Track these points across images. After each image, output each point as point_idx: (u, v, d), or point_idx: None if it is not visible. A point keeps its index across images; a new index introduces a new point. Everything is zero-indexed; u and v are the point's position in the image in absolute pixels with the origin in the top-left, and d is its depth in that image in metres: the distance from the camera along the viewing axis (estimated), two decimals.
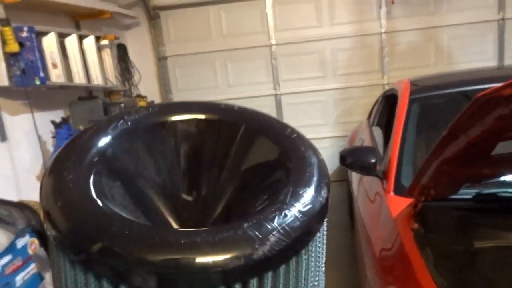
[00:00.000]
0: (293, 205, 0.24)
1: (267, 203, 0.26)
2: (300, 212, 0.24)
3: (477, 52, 4.66)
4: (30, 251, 2.46)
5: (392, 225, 1.70)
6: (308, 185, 0.26)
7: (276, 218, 0.23)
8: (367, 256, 1.89)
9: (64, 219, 0.22)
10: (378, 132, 2.93)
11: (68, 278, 0.25)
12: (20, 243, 2.37)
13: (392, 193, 1.91)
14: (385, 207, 1.86)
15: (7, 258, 2.25)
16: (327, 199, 0.26)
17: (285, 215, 0.23)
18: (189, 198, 0.30)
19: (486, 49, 4.70)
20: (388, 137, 2.39)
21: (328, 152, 5.18)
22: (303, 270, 0.25)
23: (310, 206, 0.25)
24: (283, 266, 0.24)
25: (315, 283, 0.26)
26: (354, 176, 2.92)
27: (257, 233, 0.22)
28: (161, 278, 0.22)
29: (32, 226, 2.47)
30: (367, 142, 2.98)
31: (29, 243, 2.46)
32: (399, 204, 1.78)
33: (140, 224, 0.23)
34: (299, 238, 0.24)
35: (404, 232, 1.56)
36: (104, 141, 0.27)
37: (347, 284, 2.89)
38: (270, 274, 0.24)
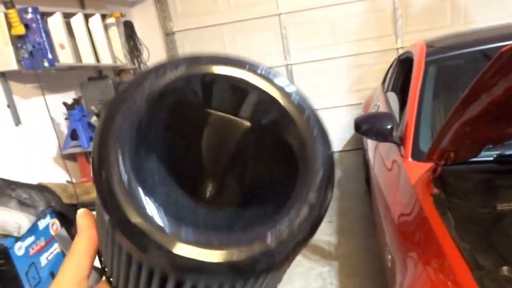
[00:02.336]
0: (305, 214, 0.26)
1: (279, 201, 0.28)
2: (308, 218, 0.26)
3: (495, 9, 4.45)
4: (52, 232, 2.51)
5: (411, 191, 1.66)
6: (315, 189, 0.27)
7: (288, 224, 0.26)
8: (386, 223, 1.87)
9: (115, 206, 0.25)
10: (393, 98, 2.86)
11: (112, 248, 0.29)
12: (41, 224, 2.42)
13: (410, 159, 1.87)
14: (403, 173, 1.82)
15: (30, 240, 2.30)
16: (329, 201, 0.27)
17: (298, 223, 0.26)
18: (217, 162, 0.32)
19: (506, 6, 4.49)
20: (404, 102, 2.32)
21: (343, 121, 5.12)
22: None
23: (314, 211, 0.26)
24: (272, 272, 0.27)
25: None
26: (370, 144, 2.87)
27: (276, 244, 0.25)
28: (182, 268, 0.25)
29: (52, 207, 2.51)
30: (382, 109, 2.92)
31: (50, 224, 2.51)
32: (418, 170, 1.74)
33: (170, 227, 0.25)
34: (304, 243, 0.27)
35: (423, 198, 1.53)
36: (142, 111, 0.27)
37: (367, 252, 2.89)
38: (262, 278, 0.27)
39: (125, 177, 0.26)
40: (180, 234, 0.25)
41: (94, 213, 0.34)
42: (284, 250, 0.26)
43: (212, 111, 0.32)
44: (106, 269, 0.34)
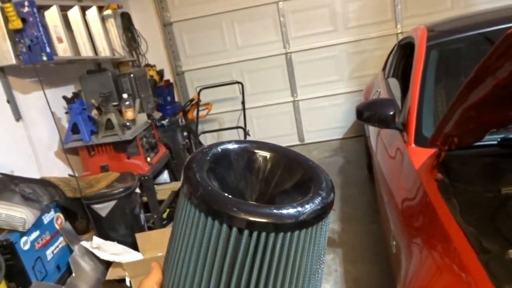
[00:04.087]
0: (317, 198, 0.44)
1: (302, 197, 0.45)
2: (320, 202, 0.43)
3: None
4: (56, 226, 2.52)
5: (415, 177, 1.66)
6: (323, 190, 0.45)
7: (309, 203, 0.43)
8: (390, 210, 1.87)
9: (198, 190, 0.42)
10: (394, 84, 2.84)
11: (190, 223, 0.43)
12: (46, 218, 2.43)
13: (413, 145, 1.86)
14: (407, 160, 1.82)
15: (35, 234, 2.31)
16: (333, 199, 0.46)
17: (313, 203, 0.43)
18: (253, 196, 0.51)
19: None
20: (406, 87, 2.31)
21: (343, 108, 5.11)
22: (319, 234, 0.44)
23: (325, 199, 0.44)
24: (311, 228, 0.43)
25: (324, 247, 0.47)
26: (372, 131, 2.86)
27: (300, 209, 0.41)
28: (245, 222, 0.40)
29: (56, 202, 2.52)
30: (384, 95, 2.90)
31: (55, 218, 2.52)
32: (421, 155, 1.73)
33: (237, 199, 0.42)
34: (320, 214, 0.43)
35: (427, 183, 1.53)
36: (211, 157, 0.48)
37: (370, 238, 2.91)
38: (304, 231, 0.42)
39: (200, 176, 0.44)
40: (243, 203, 0.42)
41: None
42: (305, 213, 0.41)
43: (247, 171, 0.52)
44: None
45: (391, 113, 2.03)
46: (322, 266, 0.47)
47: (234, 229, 0.40)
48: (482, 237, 1.16)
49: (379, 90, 3.19)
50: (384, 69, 3.64)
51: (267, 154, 0.51)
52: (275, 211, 0.40)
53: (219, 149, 0.49)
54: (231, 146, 0.50)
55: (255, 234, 0.40)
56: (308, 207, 0.41)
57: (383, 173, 2.15)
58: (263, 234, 0.40)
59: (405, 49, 2.96)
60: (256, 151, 0.51)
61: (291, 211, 0.41)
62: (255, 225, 0.39)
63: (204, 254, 0.41)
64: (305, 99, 5.18)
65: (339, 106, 5.13)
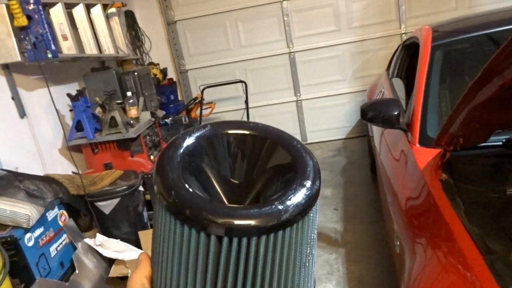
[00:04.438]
0: (300, 190, 0.40)
1: (284, 190, 0.41)
2: (305, 194, 0.40)
3: None
4: (60, 223, 2.53)
5: (419, 177, 1.66)
6: (308, 178, 0.42)
7: (292, 197, 0.39)
8: (394, 210, 1.87)
9: (170, 195, 0.39)
10: (398, 84, 2.84)
11: (167, 228, 0.40)
12: (50, 215, 2.44)
13: (417, 145, 1.86)
14: (411, 160, 1.82)
15: (39, 231, 2.32)
16: (319, 186, 0.43)
17: (297, 196, 0.39)
18: (236, 182, 0.47)
19: None
20: (410, 88, 2.31)
21: (347, 108, 5.10)
22: (306, 226, 0.41)
23: (310, 191, 0.41)
24: (295, 224, 0.40)
25: (313, 236, 0.44)
26: (375, 131, 2.86)
27: (281, 207, 0.38)
28: (223, 229, 0.37)
29: (60, 199, 2.53)
30: (387, 95, 2.90)
31: (58, 215, 2.53)
32: (426, 156, 1.73)
33: (212, 201, 0.40)
34: (304, 209, 0.39)
35: (432, 183, 1.53)
36: (186, 143, 0.45)
37: (373, 238, 2.91)
38: (288, 229, 0.39)
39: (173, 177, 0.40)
40: (219, 207, 0.39)
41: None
42: (288, 211, 0.38)
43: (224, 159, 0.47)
44: None
45: (396, 113, 2.03)
46: (312, 256, 0.45)
47: (213, 237, 0.37)
48: (487, 238, 1.16)
49: (382, 90, 3.19)
50: (388, 69, 3.64)
51: (247, 135, 0.47)
52: (254, 212, 0.37)
53: (193, 138, 0.44)
54: (206, 131, 0.46)
55: (235, 240, 0.37)
56: (291, 203, 0.38)
57: (387, 173, 2.15)
58: (244, 240, 0.37)
59: (409, 49, 2.96)
60: (235, 132, 0.47)
61: (273, 210, 0.37)
62: (234, 232, 0.37)
63: (186, 261, 0.39)
64: (308, 98, 5.18)
65: (342, 106, 5.12)
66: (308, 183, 0.41)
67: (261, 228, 0.37)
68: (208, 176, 0.45)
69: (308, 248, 0.43)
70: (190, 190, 0.39)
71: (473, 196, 1.38)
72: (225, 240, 0.37)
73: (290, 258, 0.40)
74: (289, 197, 0.39)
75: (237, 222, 0.36)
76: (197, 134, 0.45)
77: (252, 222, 0.36)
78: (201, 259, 0.38)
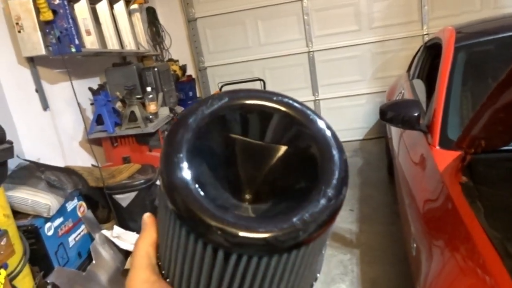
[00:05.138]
0: (323, 202, 0.35)
1: (304, 199, 0.35)
2: (328, 208, 0.34)
3: None
4: (79, 214, 2.58)
5: (438, 179, 1.64)
6: (334, 187, 0.35)
7: (312, 212, 0.34)
8: (411, 212, 1.85)
9: (176, 201, 0.34)
10: (419, 85, 2.80)
11: (173, 231, 0.36)
12: (69, 206, 2.49)
13: (437, 147, 1.84)
14: (431, 162, 1.80)
15: (59, 221, 2.37)
16: (345, 195, 0.36)
17: (319, 210, 0.34)
18: (250, 167, 0.41)
19: None
20: (431, 89, 2.28)
21: (365, 109, 5.06)
22: (321, 241, 0.37)
23: (334, 203, 0.35)
24: (312, 242, 0.35)
25: (324, 251, 0.40)
26: (394, 132, 2.83)
27: (300, 224, 0.33)
28: (233, 246, 0.33)
29: (79, 190, 2.58)
30: (408, 96, 2.87)
31: (77, 206, 2.58)
32: (446, 158, 1.71)
33: (223, 211, 0.34)
34: (325, 225, 0.35)
35: (451, 186, 1.51)
36: (198, 123, 0.38)
37: (388, 240, 2.88)
38: (303, 248, 0.35)
39: (181, 173, 0.34)
40: (229, 218, 0.33)
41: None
42: (307, 230, 0.33)
43: (245, 137, 0.40)
44: (159, 263, 0.41)
45: (416, 114, 2.00)
46: (319, 270, 0.41)
47: (220, 253, 0.33)
48: (507, 242, 1.14)
49: (402, 91, 3.15)
50: (408, 70, 3.59)
51: (268, 112, 0.40)
52: (270, 229, 0.33)
53: (206, 113, 0.38)
54: (222, 104, 0.38)
55: (244, 258, 0.33)
56: (312, 220, 0.33)
57: (405, 174, 2.13)
58: (255, 259, 0.33)
59: (431, 50, 2.92)
60: (256, 103, 0.39)
61: (290, 228, 0.33)
62: (245, 250, 0.33)
63: (189, 263, 0.36)
64: (326, 98, 5.15)
65: (361, 106, 5.08)
66: (333, 193, 0.35)
67: (275, 248, 0.33)
68: (219, 162, 0.39)
69: (318, 265, 0.40)
70: (200, 195, 0.34)
71: (493, 200, 1.35)
72: (233, 257, 0.33)
73: (299, 274, 0.37)
74: (308, 211, 0.34)
75: (249, 239, 0.32)
76: (211, 109, 0.38)
77: (266, 241, 0.32)
78: (205, 271, 0.35)
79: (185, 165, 0.34)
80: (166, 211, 0.36)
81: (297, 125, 0.39)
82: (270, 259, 0.34)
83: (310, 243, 0.35)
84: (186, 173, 0.34)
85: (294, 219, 0.33)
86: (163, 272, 0.41)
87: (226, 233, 0.32)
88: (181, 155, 0.35)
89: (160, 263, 0.41)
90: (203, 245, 0.34)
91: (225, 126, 0.39)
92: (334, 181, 0.36)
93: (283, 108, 0.40)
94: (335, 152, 0.37)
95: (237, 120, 0.40)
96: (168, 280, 0.40)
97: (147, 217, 0.44)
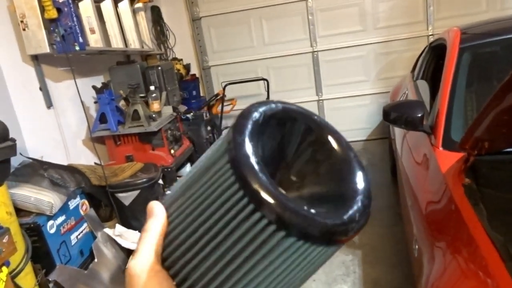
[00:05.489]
0: (362, 210, 0.37)
1: (338, 201, 0.38)
2: (364, 213, 0.37)
3: None
4: (81, 212, 2.58)
5: (441, 181, 1.63)
6: (367, 196, 0.39)
7: (356, 213, 0.37)
8: (414, 213, 1.84)
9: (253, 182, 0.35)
10: (423, 86, 2.79)
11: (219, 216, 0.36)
12: (72, 204, 2.50)
13: (441, 148, 1.83)
14: (434, 163, 1.79)
15: (61, 219, 2.38)
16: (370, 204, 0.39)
17: (360, 214, 0.37)
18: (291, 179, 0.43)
19: None
20: (435, 90, 2.26)
21: (369, 109, 5.05)
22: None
23: (368, 212, 0.38)
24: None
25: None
26: (397, 133, 2.82)
27: (350, 223, 0.36)
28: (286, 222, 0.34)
29: (82, 188, 2.59)
30: (412, 97, 2.85)
31: (80, 204, 2.59)
32: (449, 159, 1.70)
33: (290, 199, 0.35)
34: (360, 230, 0.37)
35: (454, 188, 1.50)
36: (257, 117, 0.40)
37: (391, 241, 2.87)
38: (324, 247, 0.36)
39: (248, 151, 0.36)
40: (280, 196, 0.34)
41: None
42: (353, 229, 0.36)
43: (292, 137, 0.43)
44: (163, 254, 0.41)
45: (419, 115, 1.99)
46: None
47: (264, 221, 0.34)
48: (510, 244, 1.13)
49: (406, 92, 3.14)
50: (413, 71, 3.57)
51: (317, 133, 0.43)
52: (328, 219, 0.34)
53: (266, 117, 0.40)
54: (278, 110, 0.41)
55: (290, 240, 0.34)
56: (358, 218, 0.36)
57: (408, 175, 2.12)
58: (292, 238, 0.34)
59: (436, 51, 2.90)
60: (304, 121, 0.43)
61: (343, 223, 0.35)
62: (300, 231, 0.34)
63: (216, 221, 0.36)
64: (330, 98, 5.14)
65: (365, 107, 5.07)
66: (367, 202, 0.39)
67: (326, 237, 0.35)
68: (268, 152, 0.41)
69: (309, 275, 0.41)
70: (266, 176, 0.35)
71: (496, 202, 1.34)
72: (280, 234, 0.34)
73: (302, 274, 0.38)
74: (354, 212, 0.36)
75: (309, 221, 0.34)
76: (267, 112, 0.40)
77: (323, 227, 0.34)
78: (237, 231, 0.35)
79: (248, 142, 0.37)
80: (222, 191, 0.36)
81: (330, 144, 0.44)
82: (310, 246, 0.35)
83: (340, 245, 0.37)
84: (252, 151, 0.36)
85: (345, 217, 0.35)
86: (166, 264, 0.40)
87: (290, 210, 0.33)
88: (243, 135, 0.37)
89: (164, 254, 0.40)
90: (258, 219, 0.34)
91: (279, 124, 0.42)
92: (366, 192, 0.39)
93: (320, 124, 0.44)
94: (358, 167, 0.42)
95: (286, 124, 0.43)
96: (171, 272, 0.39)
97: (156, 204, 0.42)
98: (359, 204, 0.38)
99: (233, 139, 0.36)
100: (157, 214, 0.41)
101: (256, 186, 0.34)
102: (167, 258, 0.40)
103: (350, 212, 0.36)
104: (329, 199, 0.40)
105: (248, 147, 0.36)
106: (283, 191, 0.35)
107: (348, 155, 0.43)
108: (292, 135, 0.43)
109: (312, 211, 0.34)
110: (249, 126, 0.37)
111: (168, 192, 0.45)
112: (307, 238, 0.34)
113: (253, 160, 0.35)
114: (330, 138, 0.44)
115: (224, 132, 0.42)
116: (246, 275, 0.36)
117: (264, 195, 0.33)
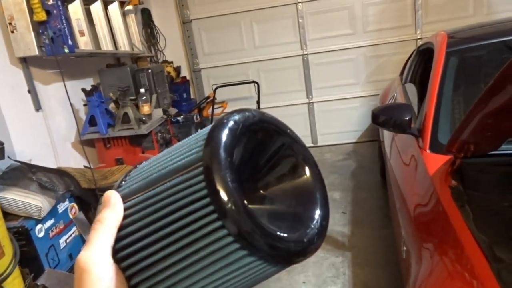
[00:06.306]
0: (318, 232, 0.38)
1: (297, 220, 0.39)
2: (321, 234, 0.39)
3: None
4: (70, 215, 2.57)
5: (429, 183, 1.65)
6: (325, 218, 0.40)
7: (313, 235, 0.38)
8: (402, 215, 1.86)
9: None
10: (411, 89, 2.82)
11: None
12: (61, 208, 2.48)
13: (428, 151, 1.85)
14: (421, 165, 1.81)
15: (50, 222, 2.36)
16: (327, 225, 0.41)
17: (316, 235, 0.38)
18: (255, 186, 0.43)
19: None
20: (423, 93, 2.29)
21: (359, 112, 5.08)
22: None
23: (324, 236, 0.39)
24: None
25: None
26: (386, 136, 2.85)
27: (308, 243, 0.37)
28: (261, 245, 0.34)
29: (71, 191, 2.57)
30: (400, 100, 2.89)
31: (69, 207, 2.57)
32: (436, 162, 1.72)
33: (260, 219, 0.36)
34: (313, 252, 0.38)
35: (441, 190, 1.52)
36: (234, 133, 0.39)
37: (380, 243, 2.89)
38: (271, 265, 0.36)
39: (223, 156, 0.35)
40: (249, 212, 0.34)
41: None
42: (310, 250, 0.37)
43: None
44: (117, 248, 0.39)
45: (407, 118, 2.02)
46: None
47: (224, 232, 0.34)
48: (495, 246, 1.15)
49: (395, 95, 3.17)
50: (401, 74, 3.61)
51: (282, 139, 0.43)
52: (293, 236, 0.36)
53: (243, 129, 0.39)
54: (254, 120, 0.41)
55: (243, 252, 0.34)
56: (314, 240, 0.37)
57: (396, 178, 2.14)
58: (250, 256, 0.34)
59: (424, 54, 2.94)
60: (274, 129, 0.43)
61: (302, 242, 0.36)
62: (257, 247, 0.34)
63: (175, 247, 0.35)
64: (320, 101, 5.17)
65: (355, 109, 5.10)
66: (324, 225, 0.39)
67: (280, 254, 0.35)
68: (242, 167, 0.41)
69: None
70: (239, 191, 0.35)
71: (482, 204, 1.36)
72: (230, 239, 0.34)
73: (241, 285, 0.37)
74: (311, 234, 0.37)
75: (272, 239, 0.34)
76: (245, 123, 0.40)
77: (287, 245, 0.35)
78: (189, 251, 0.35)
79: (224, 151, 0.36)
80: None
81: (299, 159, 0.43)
82: (259, 260, 0.34)
83: (289, 265, 0.37)
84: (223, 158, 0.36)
85: (305, 239, 0.36)
86: (117, 256, 0.39)
87: (258, 232, 0.33)
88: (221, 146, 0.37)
89: (117, 246, 0.39)
90: (217, 228, 0.34)
91: (253, 136, 0.42)
92: (325, 214, 0.40)
93: (291, 137, 0.44)
94: (320, 186, 0.42)
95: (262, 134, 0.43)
96: (122, 265, 0.38)
97: (113, 194, 0.40)
98: (318, 226, 0.38)
99: (208, 147, 0.36)
100: (114, 205, 0.39)
101: (226, 201, 0.33)
102: (119, 252, 0.39)
103: (310, 234, 0.37)
104: (288, 216, 0.40)
105: (223, 158, 0.35)
106: (249, 206, 0.35)
107: (315, 175, 0.43)
108: (264, 147, 0.43)
109: (280, 234, 0.35)
110: (224, 136, 0.37)
111: (127, 178, 0.43)
112: (267, 259, 0.35)
113: (227, 173, 0.35)
114: (300, 156, 0.43)
115: (203, 131, 0.40)
116: (198, 283, 0.36)
117: (235, 213, 0.33)
